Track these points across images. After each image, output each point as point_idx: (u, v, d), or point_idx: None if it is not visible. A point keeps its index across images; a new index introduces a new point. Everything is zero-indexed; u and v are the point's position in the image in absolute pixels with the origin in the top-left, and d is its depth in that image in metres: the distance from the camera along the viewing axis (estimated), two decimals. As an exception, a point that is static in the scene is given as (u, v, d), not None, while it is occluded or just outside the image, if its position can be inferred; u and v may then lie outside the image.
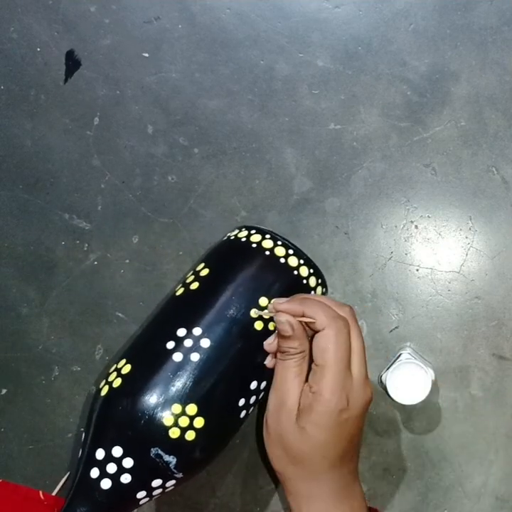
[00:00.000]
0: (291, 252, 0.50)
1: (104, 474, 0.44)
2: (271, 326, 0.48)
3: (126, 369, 0.47)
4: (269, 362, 0.48)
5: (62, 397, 0.57)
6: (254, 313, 0.47)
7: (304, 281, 0.50)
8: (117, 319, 0.58)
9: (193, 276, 0.50)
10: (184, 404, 0.44)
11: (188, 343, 0.46)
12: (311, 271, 0.50)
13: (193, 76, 0.59)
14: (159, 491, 0.46)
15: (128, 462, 0.44)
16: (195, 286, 0.50)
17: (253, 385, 0.47)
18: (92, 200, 0.59)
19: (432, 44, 0.58)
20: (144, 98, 0.59)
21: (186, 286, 0.50)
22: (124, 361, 0.48)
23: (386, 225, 0.57)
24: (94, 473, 0.44)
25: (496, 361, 0.56)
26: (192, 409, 0.44)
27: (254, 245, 0.50)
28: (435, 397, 0.56)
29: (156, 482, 0.45)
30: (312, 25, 0.58)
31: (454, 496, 0.55)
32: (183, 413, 0.44)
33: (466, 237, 0.57)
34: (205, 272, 0.50)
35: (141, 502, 0.46)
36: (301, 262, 0.50)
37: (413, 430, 0.56)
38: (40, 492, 0.56)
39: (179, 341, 0.46)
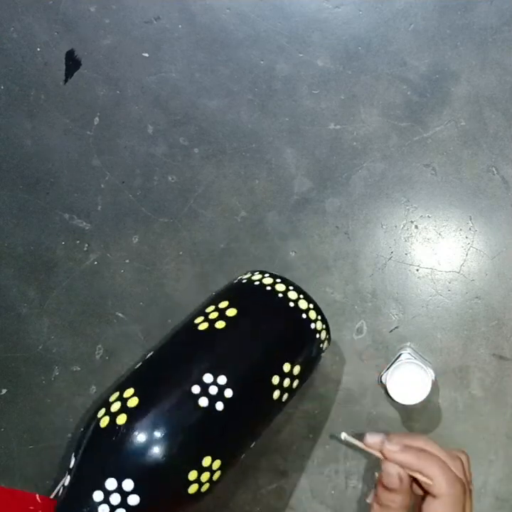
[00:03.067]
0: (319, 317, 0.50)
1: (106, 501, 0.41)
2: (284, 397, 0.47)
3: (134, 402, 0.44)
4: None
5: (62, 397, 0.57)
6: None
7: (320, 347, 0.51)
8: (117, 319, 0.58)
9: (217, 313, 0.48)
10: (213, 457, 0.43)
11: (213, 390, 0.44)
12: (328, 336, 0.51)
13: (193, 76, 0.59)
14: None
15: (133, 499, 0.41)
16: (221, 325, 0.47)
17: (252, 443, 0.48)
18: (92, 200, 0.59)
19: (432, 44, 0.58)
20: (144, 98, 0.59)
21: (210, 322, 0.47)
22: (132, 391, 0.44)
23: (386, 225, 0.57)
24: (98, 496, 0.42)
25: (496, 361, 0.56)
26: (217, 463, 0.43)
27: (281, 296, 0.49)
28: (435, 397, 0.56)
29: None
30: (312, 25, 0.58)
31: (454, 496, 0.55)
32: (209, 467, 0.43)
33: (466, 237, 0.57)
34: (232, 313, 0.48)
35: None
36: (324, 326, 0.50)
37: (413, 430, 0.56)
38: (37, 495, 0.56)
39: (205, 387, 0.44)
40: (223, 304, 0.48)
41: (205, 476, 0.43)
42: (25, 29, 0.60)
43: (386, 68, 0.58)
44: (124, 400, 0.44)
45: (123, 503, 0.41)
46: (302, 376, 0.49)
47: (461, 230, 0.57)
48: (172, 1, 0.59)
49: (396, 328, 0.57)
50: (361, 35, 0.58)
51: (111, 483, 0.41)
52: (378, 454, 0.42)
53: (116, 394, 0.45)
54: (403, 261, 0.57)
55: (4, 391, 0.58)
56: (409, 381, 0.51)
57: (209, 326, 0.47)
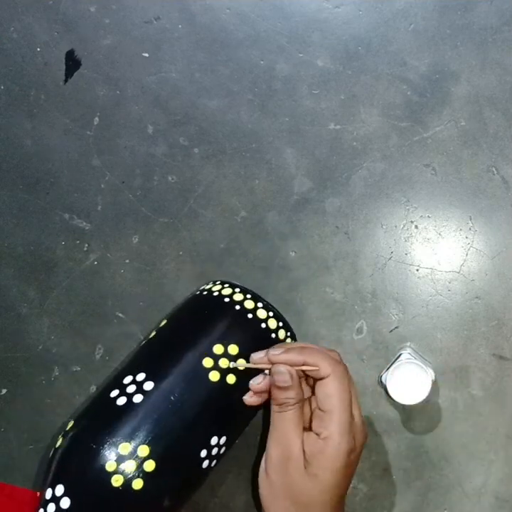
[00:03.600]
0: (260, 304, 0.50)
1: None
2: (229, 379, 0.46)
3: (70, 425, 0.46)
4: (249, 398, 0.47)
5: (62, 397, 0.57)
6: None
7: (263, 325, 0.49)
8: (117, 319, 0.58)
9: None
10: (133, 443, 0.42)
11: (131, 388, 0.45)
12: (280, 324, 0.50)
13: (193, 76, 0.59)
14: None
15: (65, 502, 0.42)
16: (151, 335, 0.50)
17: (214, 440, 0.45)
18: (92, 200, 0.59)
19: (432, 44, 0.58)
20: (144, 98, 0.59)
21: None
22: (71, 422, 0.47)
23: (386, 225, 0.57)
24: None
25: (496, 361, 0.56)
26: (143, 450, 0.42)
27: (215, 294, 0.50)
28: (435, 397, 0.56)
29: None
30: (312, 25, 0.58)
31: (454, 496, 0.55)
32: (133, 454, 0.42)
33: (466, 237, 0.57)
34: (162, 323, 0.51)
35: None
36: (259, 304, 0.50)
37: (413, 430, 0.56)
38: (38, 493, 0.56)
39: (123, 388, 0.45)
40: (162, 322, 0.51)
41: (128, 465, 0.42)
42: (25, 29, 0.60)
43: (386, 68, 0.58)
44: (65, 430, 0.46)
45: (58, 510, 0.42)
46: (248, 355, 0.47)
47: (461, 230, 0.57)
48: (172, 1, 0.59)
49: (396, 328, 0.57)
50: (361, 35, 0.58)
51: (48, 493, 0.43)
52: (266, 366, 0.46)
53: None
54: (403, 261, 0.57)
55: (4, 391, 0.58)
56: (409, 381, 0.51)
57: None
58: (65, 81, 0.60)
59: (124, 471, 0.41)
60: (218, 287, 0.51)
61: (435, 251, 0.57)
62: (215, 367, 0.46)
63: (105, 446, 0.42)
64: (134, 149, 0.59)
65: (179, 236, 0.58)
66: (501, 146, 0.57)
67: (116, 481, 0.41)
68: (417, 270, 0.57)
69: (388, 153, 0.58)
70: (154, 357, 0.48)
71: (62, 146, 0.59)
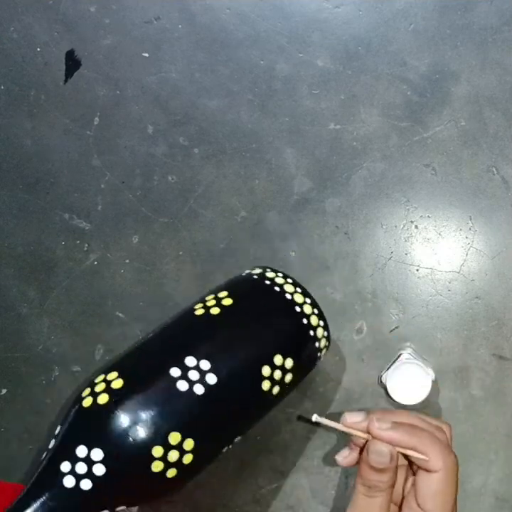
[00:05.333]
0: (316, 311, 0.49)
1: (72, 472, 0.41)
2: (275, 390, 0.46)
3: (118, 384, 0.43)
4: (343, 460, 0.42)
5: (62, 397, 0.57)
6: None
7: (317, 345, 0.49)
8: (117, 319, 0.58)
9: (214, 301, 0.48)
10: (183, 435, 0.42)
11: (193, 375, 0.43)
12: (326, 334, 0.50)
13: (193, 76, 0.59)
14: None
15: (99, 469, 0.41)
16: (215, 312, 0.47)
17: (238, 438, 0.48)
18: (92, 200, 0.59)
19: (432, 44, 0.58)
20: (144, 98, 0.59)
21: (206, 308, 0.47)
22: (115, 374, 0.44)
23: (386, 225, 0.57)
24: (65, 467, 0.41)
25: (496, 361, 0.56)
26: (189, 443, 0.42)
27: (277, 290, 0.49)
28: (435, 397, 0.56)
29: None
30: (312, 25, 0.58)
31: (454, 496, 0.55)
32: (179, 446, 0.42)
33: (466, 237, 0.57)
34: (227, 302, 0.48)
35: None
36: (321, 323, 0.49)
37: (413, 430, 0.56)
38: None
39: (185, 370, 0.43)
40: (222, 294, 0.49)
41: (172, 455, 0.41)
42: (25, 29, 0.60)
43: (386, 68, 0.58)
44: (108, 382, 0.44)
45: (89, 473, 0.41)
46: (296, 371, 0.47)
47: (461, 230, 0.57)
48: (172, 1, 0.59)
49: (396, 328, 0.57)
50: (361, 35, 0.58)
51: (80, 451, 0.41)
52: (362, 434, 0.40)
53: (101, 376, 0.45)
54: (403, 261, 0.57)
55: (4, 391, 0.58)
56: (409, 381, 0.51)
57: (204, 312, 0.47)
58: (65, 81, 0.60)
59: (167, 459, 0.41)
60: (281, 280, 0.50)
61: (435, 251, 0.57)
62: (269, 377, 0.46)
63: (159, 430, 0.41)
64: (134, 149, 0.59)
65: (179, 236, 0.58)
66: (501, 146, 0.57)
67: (157, 466, 0.41)
68: (417, 270, 0.57)
69: (388, 153, 0.58)
70: (221, 346, 0.46)
71: (62, 146, 0.59)
